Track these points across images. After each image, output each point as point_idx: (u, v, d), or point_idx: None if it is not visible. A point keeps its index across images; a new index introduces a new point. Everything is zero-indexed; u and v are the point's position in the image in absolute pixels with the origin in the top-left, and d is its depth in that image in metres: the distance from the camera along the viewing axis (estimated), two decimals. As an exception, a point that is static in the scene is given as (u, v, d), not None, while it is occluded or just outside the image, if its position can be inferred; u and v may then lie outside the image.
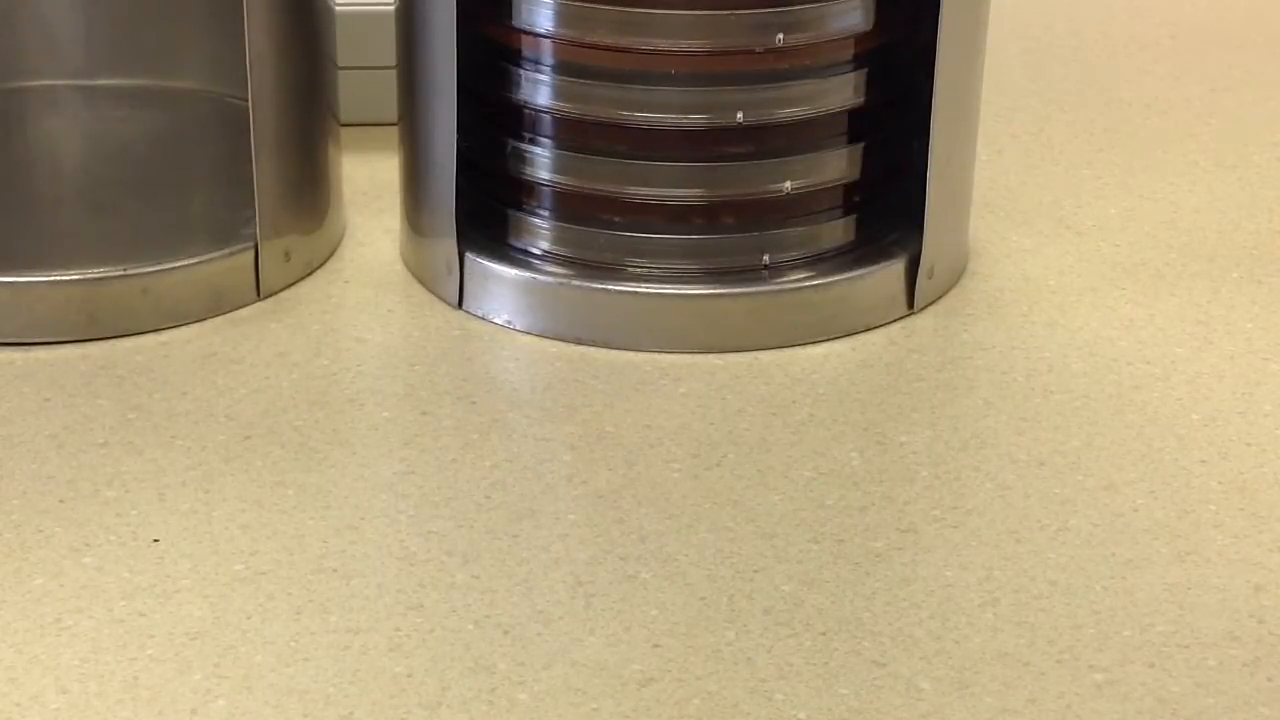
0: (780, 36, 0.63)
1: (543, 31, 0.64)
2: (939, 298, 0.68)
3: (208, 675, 0.48)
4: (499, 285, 0.66)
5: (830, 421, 0.60)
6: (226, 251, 0.66)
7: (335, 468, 0.57)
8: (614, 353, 0.64)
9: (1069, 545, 0.54)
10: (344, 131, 0.72)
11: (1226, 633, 0.51)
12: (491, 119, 0.66)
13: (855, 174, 0.67)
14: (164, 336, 0.64)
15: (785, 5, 0.63)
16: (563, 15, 0.64)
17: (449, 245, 0.66)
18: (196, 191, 0.73)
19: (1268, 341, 0.65)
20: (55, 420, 0.59)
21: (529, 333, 0.66)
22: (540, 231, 0.67)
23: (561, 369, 0.63)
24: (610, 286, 0.65)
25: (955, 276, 0.69)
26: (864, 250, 0.67)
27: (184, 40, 0.79)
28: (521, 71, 0.65)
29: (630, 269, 0.66)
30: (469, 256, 0.66)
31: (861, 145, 0.66)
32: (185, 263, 0.65)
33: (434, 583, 0.52)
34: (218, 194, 0.72)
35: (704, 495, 0.56)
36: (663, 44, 0.63)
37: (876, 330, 0.66)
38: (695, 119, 0.64)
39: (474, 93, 0.66)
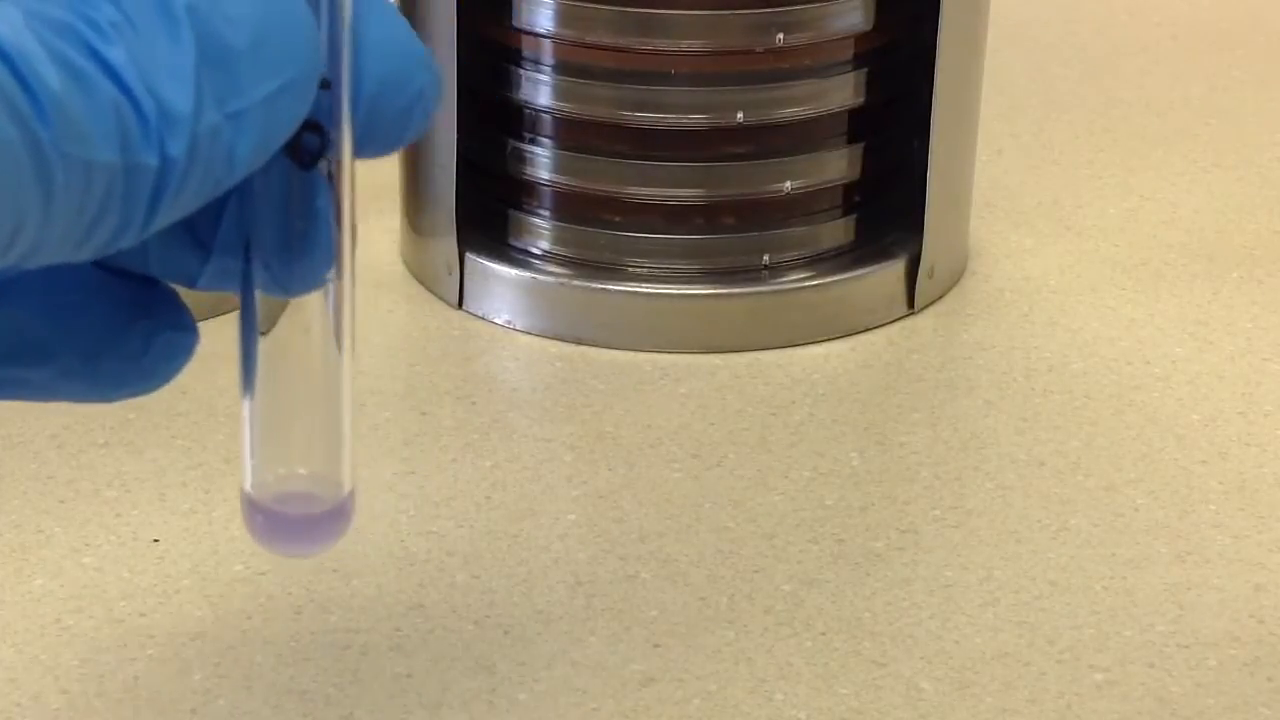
0: (780, 36, 0.63)
1: (543, 31, 0.64)
2: (939, 298, 0.68)
3: (208, 675, 0.48)
4: (499, 285, 0.66)
5: (830, 421, 0.60)
6: (226, 251, 0.66)
7: (335, 468, 0.57)
8: (614, 353, 0.64)
9: (1069, 545, 0.54)
10: (344, 131, 0.72)
11: (1226, 633, 0.51)
12: (491, 119, 0.66)
13: (855, 174, 0.67)
14: (164, 336, 0.64)
15: (785, 5, 0.63)
16: (563, 15, 0.64)
17: (449, 245, 0.66)
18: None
19: (1268, 341, 0.65)
20: (55, 420, 0.59)
21: (529, 333, 0.66)
22: (540, 231, 0.67)
23: (561, 369, 0.63)
24: (610, 286, 0.65)
25: (955, 276, 0.69)
26: (864, 250, 0.67)
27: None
28: (521, 71, 0.65)
29: (630, 269, 0.66)
30: (469, 256, 0.66)
31: (861, 145, 0.66)
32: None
33: (434, 583, 0.52)
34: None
35: (704, 495, 0.56)
36: (663, 44, 0.63)
37: (876, 330, 0.66)
38: (695, 119, 0.64)
39: (474, 93, 0.66)
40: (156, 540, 0.54)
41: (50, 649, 0.49)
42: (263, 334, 0.31)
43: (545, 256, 0.66)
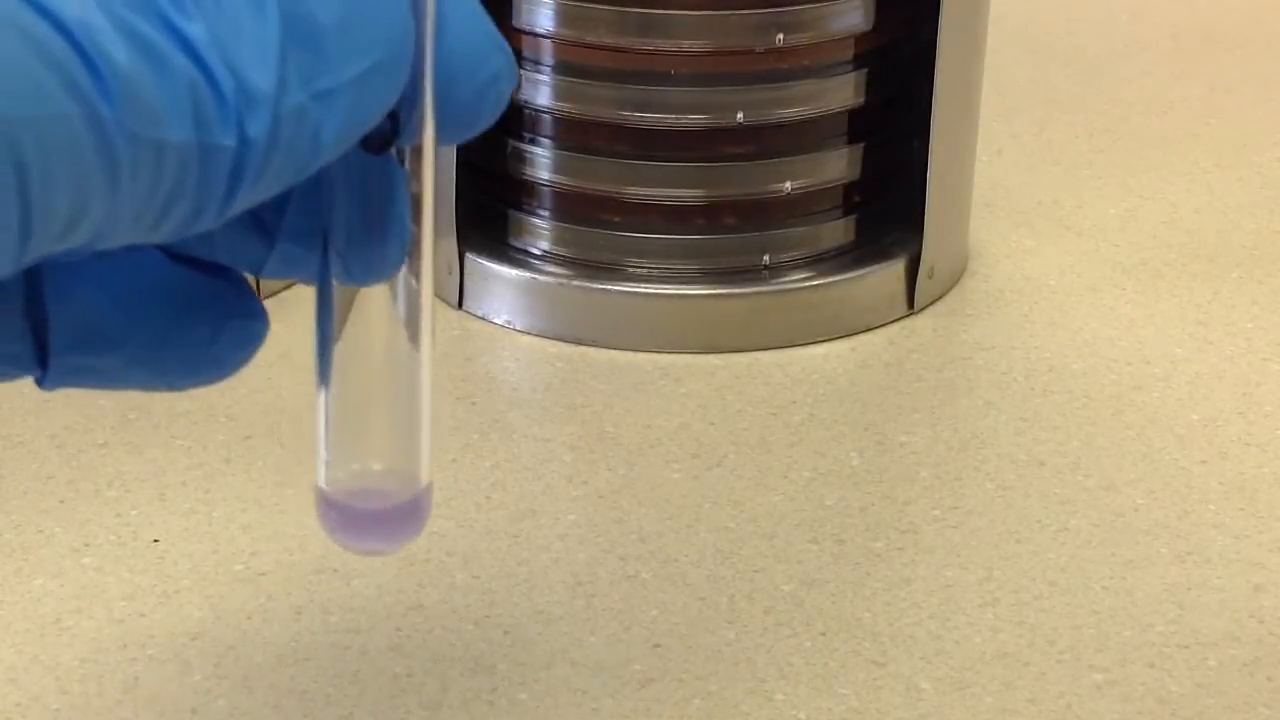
0: (780, 36, 0.63)
1: (543, 31, 0.64)
2: (939, 298, 0.68)
3: (208, 675, 0.48)
4: (499, 285, 0.66)
5: (830, 421, 0.60)
6: (226, 251, 0.66)
7: (335, 468, 0.57)
8: (614, 353, 0.64)
9: (1069, 545, 0.54)
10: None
11: (1226, 633, 0.51)
12: (491, 119, 0.66)
13: (855, 174, 0.67)
14: (164, 336, 0.64)
15: (785, 5, 0.63)
16: (563, 15, 0.64)
17: (449, 245, 0.66)
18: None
19: (1268, 341, 0.65)
20: (55, 420, 0.59)
21: (529, 333, 0.66)
22: (540, 231, 0.67)
23: (561, 369, 0.63)
24: (610, 286, 0.65)
25: (955, 276, 0.69)
26: (864, 250, 0.67)
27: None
28: (521, 71, 0.65)
29: (630, 269, 0.66)
30: (469, 256, 0.66)
31: (861, 145, 0.66)
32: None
33: (434, 583, 0.52)
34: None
35: (704, 495, 0.56)
36: (663, 44, 0.63)
37: (876, 330, 0.66)
38: (695, 119, 0.64)
39: (474, 93, 0.66)
40: (156, 540, 0.54)
41: (50, 649, 0.49)
42: (338, 324, 0.30)
43: (545, 256, 0.67)
